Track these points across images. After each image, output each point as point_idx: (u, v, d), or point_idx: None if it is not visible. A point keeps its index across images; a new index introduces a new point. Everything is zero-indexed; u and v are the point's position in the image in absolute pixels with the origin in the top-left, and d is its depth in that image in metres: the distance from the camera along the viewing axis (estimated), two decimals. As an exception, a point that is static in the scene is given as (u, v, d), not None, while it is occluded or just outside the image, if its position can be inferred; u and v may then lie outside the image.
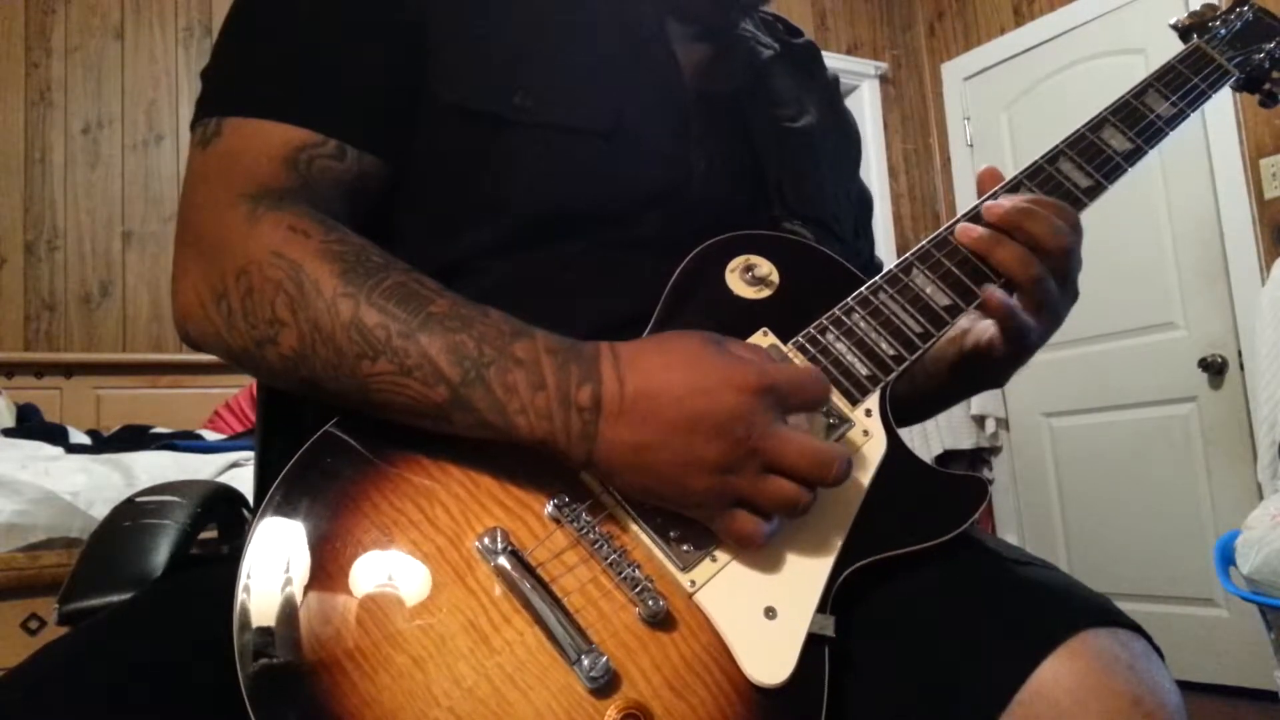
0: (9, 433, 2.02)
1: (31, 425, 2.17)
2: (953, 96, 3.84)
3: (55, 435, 2.00)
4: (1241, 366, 2.93)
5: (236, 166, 0.61)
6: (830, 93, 0.92)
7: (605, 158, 0.69)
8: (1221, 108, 2.96)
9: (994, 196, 0.69)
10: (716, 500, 0.54)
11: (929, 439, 3.42)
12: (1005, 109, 3.62)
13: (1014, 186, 0.70)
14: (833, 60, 0.79)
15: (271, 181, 0.61)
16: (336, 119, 0.64)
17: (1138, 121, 0.74)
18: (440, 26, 0.68)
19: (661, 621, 0.54)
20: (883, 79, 3.89)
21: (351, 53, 0.66)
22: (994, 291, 0.65)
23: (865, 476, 0.60)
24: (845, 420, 0.61)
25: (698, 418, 0.53)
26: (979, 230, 0.67)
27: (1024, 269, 0.65)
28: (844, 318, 0.65)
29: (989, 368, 0.72)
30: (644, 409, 0.53)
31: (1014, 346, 0.68)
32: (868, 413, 0.62)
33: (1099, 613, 0.54)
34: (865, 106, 3.79)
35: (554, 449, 0.54)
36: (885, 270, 0.68)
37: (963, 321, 0.67)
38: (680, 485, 0.53)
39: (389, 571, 0.53)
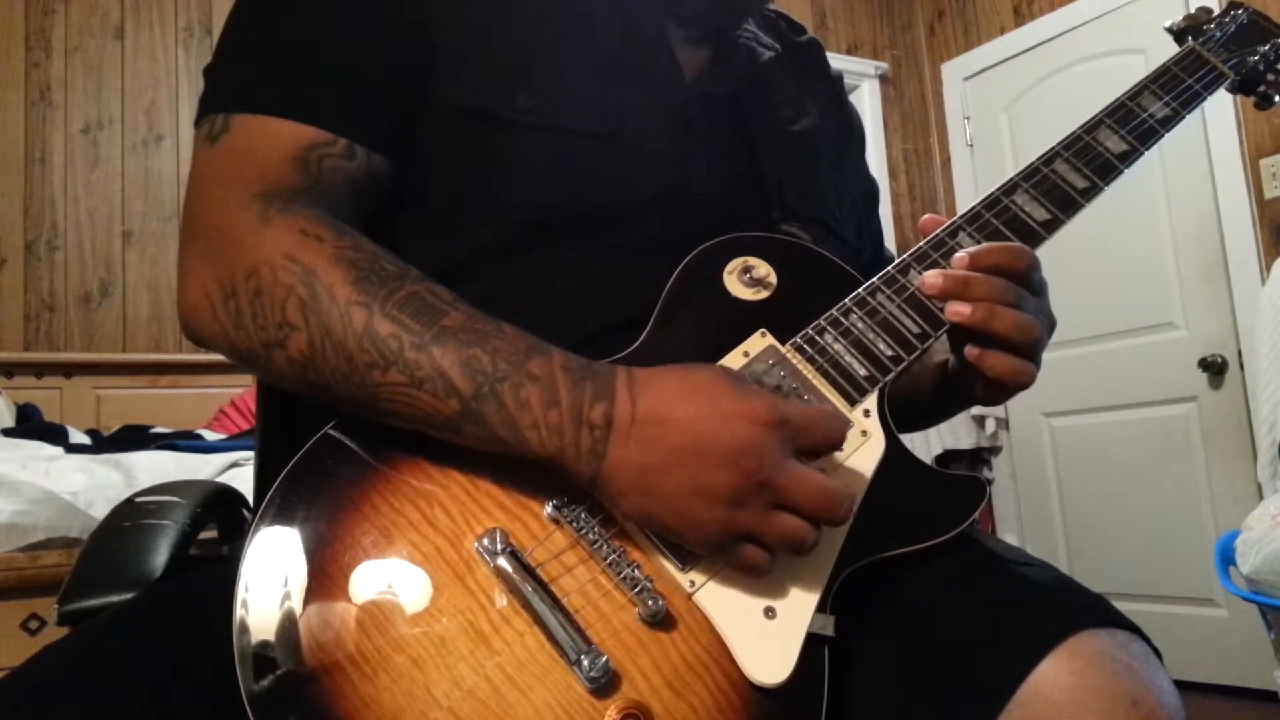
0: (9, 433, 2.02)
1: (31, 425, 2.17)
2: (953, 96, 3.84)
3: (55, 435, 2.00)
4: (1241, 366, 2.93)
5: (246, 164, 0.61)
6: (833, 90, 0.92)
7: (606, 159, 0.69)
8: (1221, 108, 2.96)
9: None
10: (721, 535, 0.53)
11: (929, 439, 3.42)
12: (1005, 109, 3.61)
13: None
14: (833, 60, 0.79)
15: (282, 180, 0.61)
16: (347, 118, 0.64)
17: (1133, 123, 0.75)
18: (443, 27, 0.68)
19: (661, 621, 0.54)
20: (883, 79, 3.89)
21: (358, 52, 0.66)
22: (971, 348, 0.64)
23: (864, 477, 0.60)
24: (846, 423, 0.61)
25: (708, 445, 0.52)
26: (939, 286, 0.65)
27: (990, 321, 0.64)
28: (842, 318, 0.65)
29: (970, 402, 0.73)
30: (654, 431, 0.53)
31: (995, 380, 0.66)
32: (866, 413, 0.62)
33: (1097, 613, 0.54)
34: (865, 106, 3.79)
35: (562, 466, 0.54)
36: (883, 272, 0.68)
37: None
38: (687, 514, 0.53)
39: (388, 573, 0.53)
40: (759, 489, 0.52)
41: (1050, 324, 0.68)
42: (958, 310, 0.64)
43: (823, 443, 0.55)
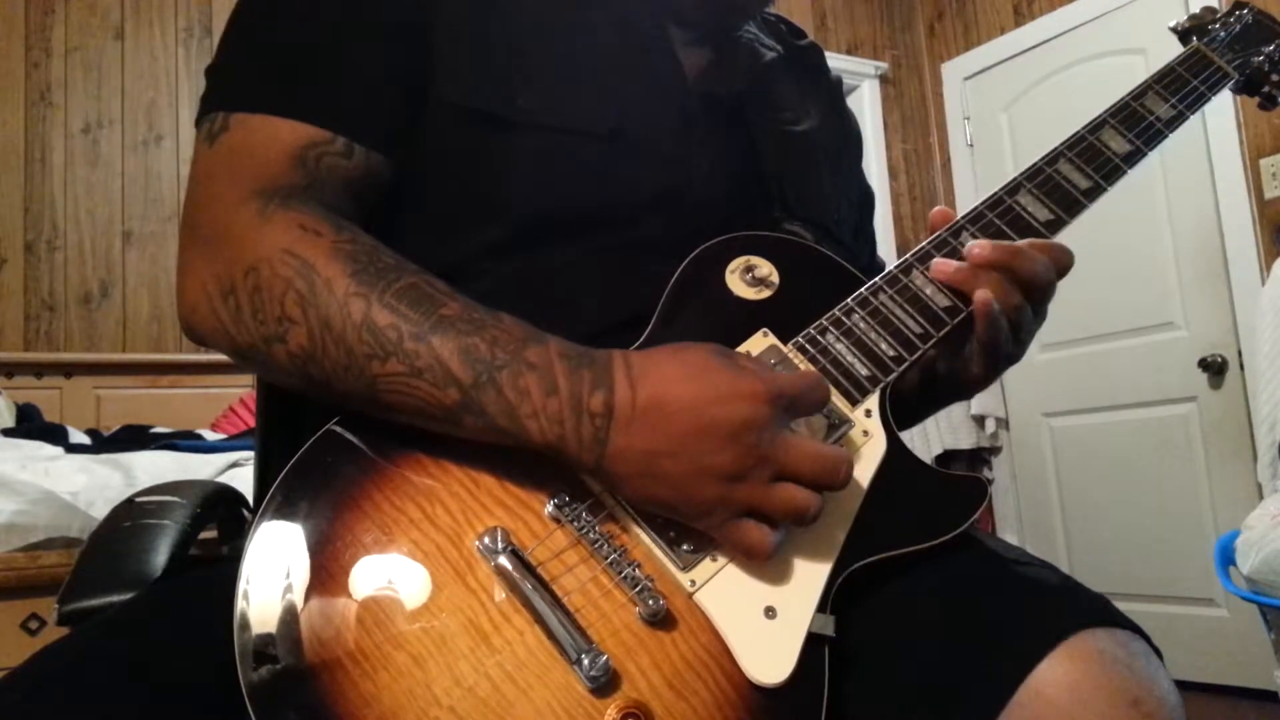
0: (9, 433, 2.02)
1: (31, 425, 2.17)
2: (953, 96, 3.84)
3: (55, 435, 2.00)
4: (1241, 366, 2.93)
5: (245, 162, 0.62)
6: (832, 94, 0.92)
7: (607, 159, 0.69)
8: (1221, 108, 2.96)
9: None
10: (725, 509, 0.53)
11: (929, 439, 3.42)
12: (1005, 109, 3.61)
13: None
14: (833, 60, 0.79)
15: (280, 178, 0.61)
16: (345, 116, 0.64)
17: (1137, 123, 0.75)
18: (443, 26, 0.68)
19: (661, 621, 0.54)
20: (883, 79, 3.89)
21: (358, 51, 0.66)
22: (983, 295, 0.63)
23: (865, 476, 0.60)
24: (845, 420, 0.61)
25: (710, 426, 0.53)
26: (954, 264, 0.65)
27: (1006, 297, 0.64)
28: (844, 318, 0.65)
29: (957, 388, 0.72)
30: (656, 417, 0.53)
31: (989, 361, 0.67)
32: (867, 413, 0.62)
33: (1098, 612, 0.54)
34: (865, 106, 3.79)
35: (564, 454, 0.54)
36: (885, 271, 0.68)
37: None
38: (689, 494, 0.53)
39: (389, 571, 0.53)
40: (760, 463, 0.53)
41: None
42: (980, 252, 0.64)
43: (814, 404, 0.57)
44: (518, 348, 0.55)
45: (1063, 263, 0.66)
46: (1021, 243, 0.66)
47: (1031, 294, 0.65)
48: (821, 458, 0.54)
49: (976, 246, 0.65)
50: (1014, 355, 0.68)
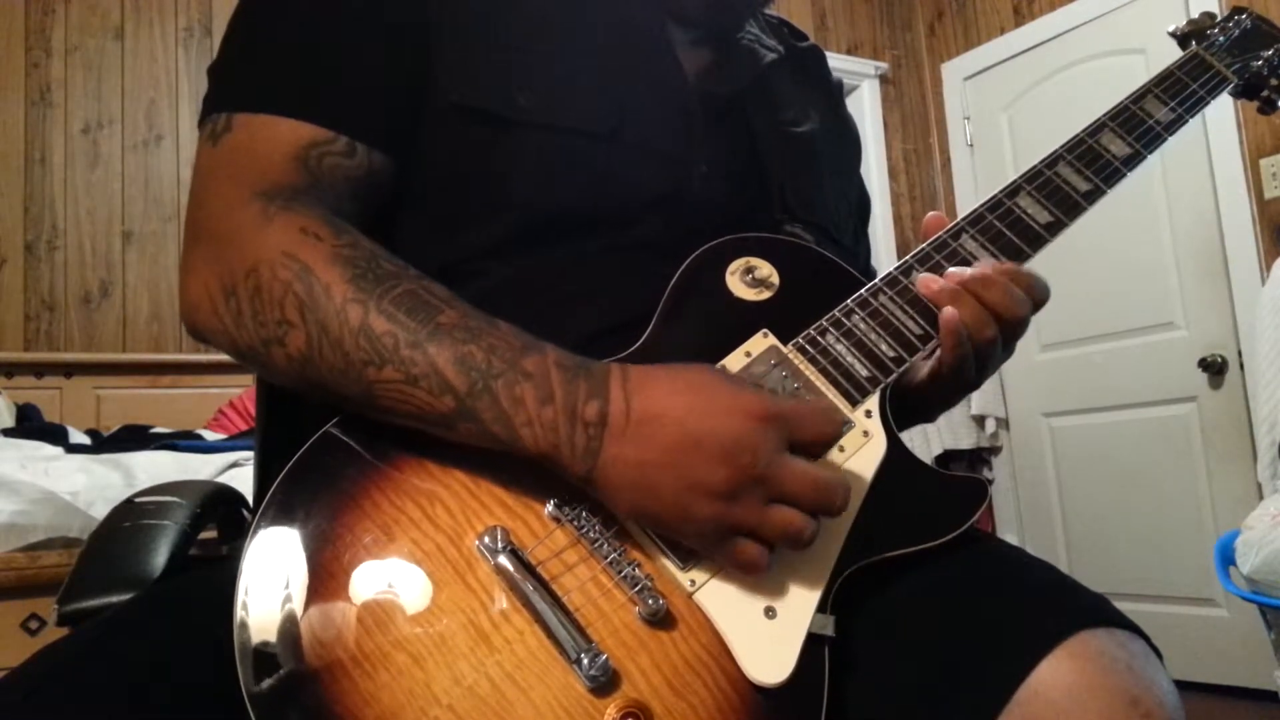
0: (9, 433, 2.02)
1: (31, 425, 2.17)
2: (953, 96, 3.84)
3: (55, 435, 1.99)
4: (1241, 366, 2.93)
5: (247, 162, 0.62)
6: (833, 97, 0.92)
7: (607, 159, 0.69)
8: (1222, 108, 2.96)
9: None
10: (718, 530, 0.53)
11: (929, 439, 3.42)
12: (1005, 109, 3.61)
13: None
14: (833, 60, 0.79)
15: (282, 178, 0.61)
16: (347, 116, 0.64)
17: (1137, 127, 0.75)
18: (444, 26, 0.68)
19: (661, 620, 0.54)
20: (883, 79, 3.89)
21: (359, 51, 0.66)
22: (950, 312, 0.63)
23: (865, 477, 0.60)
24: (845, 421, 0.61)
25: (703, 441, 0.52)
26: (941, 283, 0.65)
27: (979, 325, 0.64)
28: (844, 319, 0.65)
29: (919, 406, 0.73)
30: (649, 428, 0.53)
31: (954, 384, 0.67)
32: (868, 414, 0.62)
33: (1097, 613, 0.54)
34: (865, 106, 3.79)
35: (557, 464, 0.54)
36: (885, 272, 0.68)
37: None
38: (682, 510, 0.53)
39: (389, 570, 0.53)
40: (754, 483, 0.52)
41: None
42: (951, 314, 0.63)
43: (817, 438, 0.55)
44: (514, 356, 0.55)
45: (1036, 296, 0.65)
46: (995, 269, 0.65)
47: (1004, 325, 0.64)
48: (819, 482, 0.53)
49: (953, 271, 0.65)
50: (972, 384, 0.68)
